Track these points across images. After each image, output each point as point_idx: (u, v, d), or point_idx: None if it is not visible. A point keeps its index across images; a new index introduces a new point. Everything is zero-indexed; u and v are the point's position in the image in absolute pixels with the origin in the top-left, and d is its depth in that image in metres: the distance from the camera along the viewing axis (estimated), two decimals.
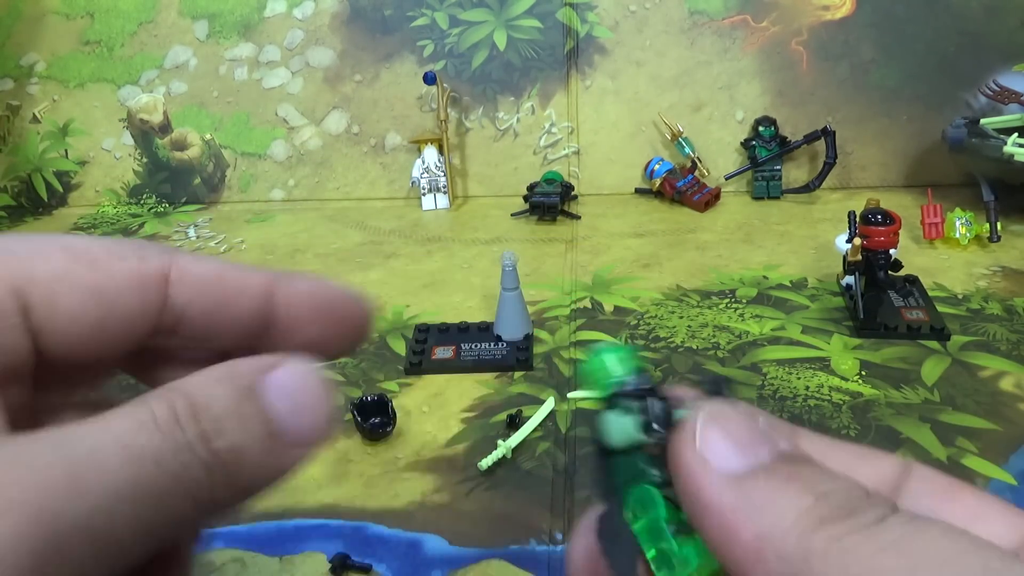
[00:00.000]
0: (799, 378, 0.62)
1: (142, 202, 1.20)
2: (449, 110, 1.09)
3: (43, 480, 0.13)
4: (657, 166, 1.06)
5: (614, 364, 0.19)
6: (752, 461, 0.15)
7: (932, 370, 0.62)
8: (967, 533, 0.13)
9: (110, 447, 0.14)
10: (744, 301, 0.76)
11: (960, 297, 0.74)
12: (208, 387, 0.16)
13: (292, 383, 0.17)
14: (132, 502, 0.14)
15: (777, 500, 0.14)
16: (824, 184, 1.03)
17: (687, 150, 1.06)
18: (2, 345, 0.16)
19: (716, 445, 0.16)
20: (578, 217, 1.02)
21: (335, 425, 0.17)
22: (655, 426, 0.18)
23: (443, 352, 0.68)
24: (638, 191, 1.10)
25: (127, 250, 0.17)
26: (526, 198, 1.02)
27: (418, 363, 0.66)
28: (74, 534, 0.13)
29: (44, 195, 1.21)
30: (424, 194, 1.09)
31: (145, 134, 1.18)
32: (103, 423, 0.14)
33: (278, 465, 0.16)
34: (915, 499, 0.17)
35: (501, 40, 1.10)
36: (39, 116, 1.20)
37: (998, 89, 1.01)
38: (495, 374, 0.65)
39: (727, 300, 0.76)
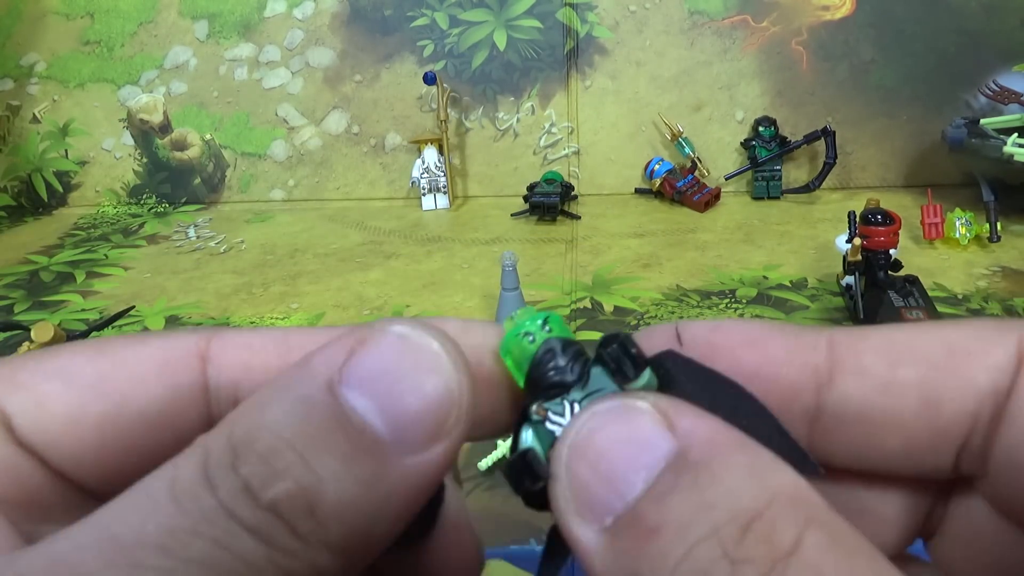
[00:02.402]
0: None
1: (142, 202, 1.20)
2: (449, 110, 1.09)
3: None
4: (657, 166, 1.06)
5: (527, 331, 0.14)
6: (619, 505, 0.12)
7: None
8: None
9: (93, 543, 0.10)
10: (744, 301, 0.76)
11: (960, 297, 0.74)
12: (257, 410, 0.11)
13: (386, 362, 0.12)
14: None
15: (643, 566, 0.11)
16: (824, 184, 1.03)
17: (687, 150, 1.06)
18: None
19: (584, 484, 0.12)
20: (578, 217, 1.02)
21: (470, 395, 0.13)
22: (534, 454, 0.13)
23: None
24: (638, 191, 1.10)
25: (147, 336, 0.14)
26: (526, 198, 1.02)
27: None
28: None
29: (44, 195, 1.21)
30: (424, 194, 1.09)
31: (145, 134, 1.18)
32: (110, 507, 0.11)
33: (395, 488, 0.11)
34: None
35: (501, 40, 1.10)
36: (39, 116, 1.20)
37: (998, 89, 1.01)
38: None
39: (727, 300, 0.76)
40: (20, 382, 0.12)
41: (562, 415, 0.13)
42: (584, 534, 0.12)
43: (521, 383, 0.14)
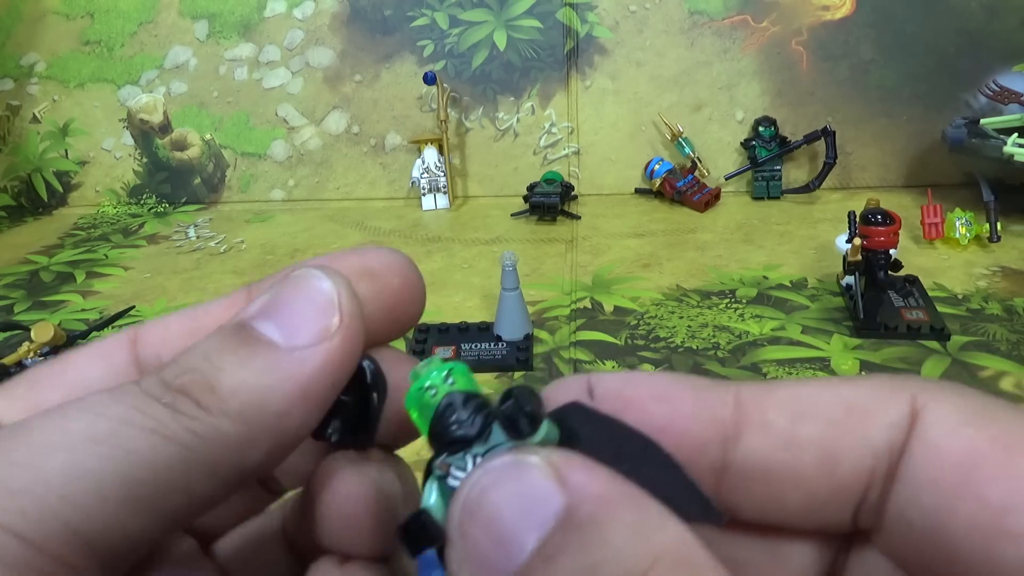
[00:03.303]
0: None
1: (142, 202, 1.20)
2: (449, 110, 1.09)
3: None
4: (657, 166, 1.06)
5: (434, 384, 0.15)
6: (511, 566, 0.12)
7: (932, 370, 0.62)
8: None
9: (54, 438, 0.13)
10: (744, 301, 0.76)
11: (960, 297, 0.74)
12: (187, 348, 0.14)
13: (285, 296, 0.15)
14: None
15: None
16: (824, 184, 1.03)
17: (687, 150, 1.06)
18: None
19: (477, 545, 0.12)
20: (578, 217, 1.02)
21: (359, 309, 0.15)
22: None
23: (443, 352, 0.68)
24: (638, 191, 1.10)
25: (96, 341, 0.16)
26: (526, 198, 1.02)
27: None
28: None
29: (44, 195, 1.21)
30: (424, 194, 1.09)
31: (145, 134, 1.18)
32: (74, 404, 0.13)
33: (288, 374, 0.14)
34: (919, 482, 0.11)
35: (501, 40, 1.10)
36: (39, 116, 1.20)
37: (998, 89, 1.01)
38: (495, 374, 0.65)
39: (727, 300, 0.76)
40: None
41: (464, 470, 0.13)
42: None
43: (425, 435, 0.14)
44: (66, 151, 1.20)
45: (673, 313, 0.74)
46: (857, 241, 0.67)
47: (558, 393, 0.15)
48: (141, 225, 1.11)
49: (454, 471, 0.13)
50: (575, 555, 0.11)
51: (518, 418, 0.13)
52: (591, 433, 0.13)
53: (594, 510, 0.11)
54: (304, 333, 0.14)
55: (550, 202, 0.99)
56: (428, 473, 0.14)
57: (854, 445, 0.12)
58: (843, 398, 0.12)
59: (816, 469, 0.12)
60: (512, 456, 0.13)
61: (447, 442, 0.14)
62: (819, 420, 0.12)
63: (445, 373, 0.15)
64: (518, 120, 1.12)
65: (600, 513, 0.11)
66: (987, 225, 0.84)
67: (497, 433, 0.14)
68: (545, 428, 0.14)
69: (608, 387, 0.14)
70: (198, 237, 1.04)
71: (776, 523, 0.13)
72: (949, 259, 0.82)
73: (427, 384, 0.15)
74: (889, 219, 0.68)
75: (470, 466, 0.13)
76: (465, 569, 0.12)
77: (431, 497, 0.14)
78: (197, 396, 0.13)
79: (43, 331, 0.64)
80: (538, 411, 0.14)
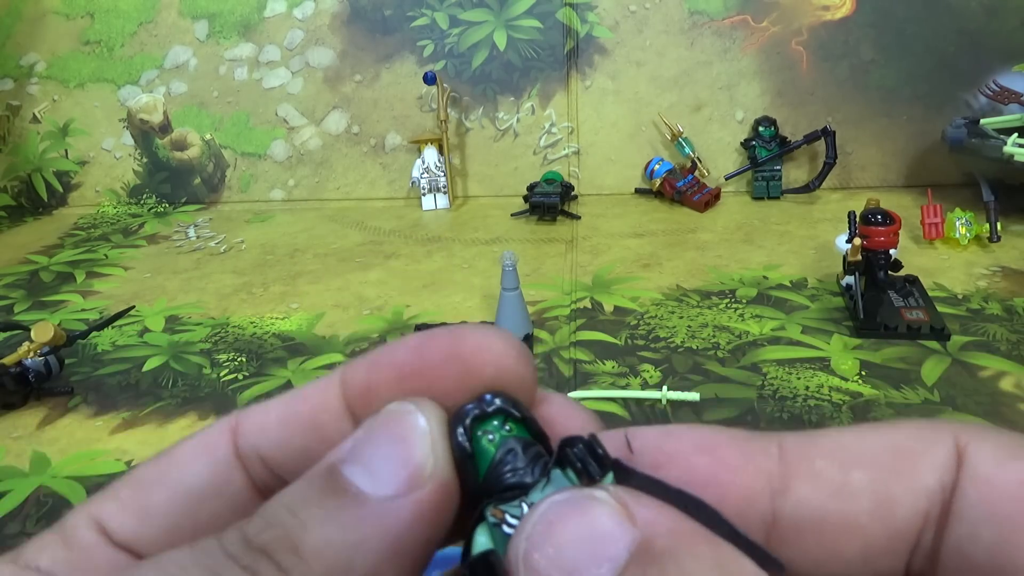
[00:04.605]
0: (799, 378, 0.62)
1: (142, 202, 1.20)
2: (449, 110, 1.09)
3: None
4: (657, 166, 1.06)
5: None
6: None
7: (932, 370, 0.62)
8: None
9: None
10: (744, 301, 0.76)
11: (960, 297, 0.74)
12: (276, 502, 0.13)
13: (377, 435, 0.14)
14: None
15: None
16: (824, 184, 1.03)
17: (687, 150, 1.06)
18: None
19: (544, 575, 0.12)
20: (578, 217, 1.02)
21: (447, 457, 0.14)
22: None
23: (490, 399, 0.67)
24: (638, 191, 1.10)
25: (198, 431, 0.16)
26: (526, 198, 1.02)
27: None
28: None
29: (44, 195, 1.21)
30: (424, 194, 1.09)
31: (145, 134, 1.18)
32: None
33: (374, 530, 0.13)
34: (975, 518, 0.11)
35: (501, 40, 1.10)
36: (39, 116, 1.20)
37: (998, 89, 1.01)
38: None
39: (727, 300, 0.76)
40: (105, 493, 0.15)
41: (518, 518, 0.13)
42: None
43: (480, 479, 0.14)
44: (66, 151, 1.20)
45: (673, 313, 0.74)
46: (857, 241, 0.67)
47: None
48: (141, 225, 1.11)
49: (508, 518, 0.13)
50: None
51: (588, 461, 0.13)
52: (639, 486, 0.13)
53: (670, 544, 0.11)
54: (393, 480, 0.13)
55: (550, 202, 0.99)
56: (479, 520, 0.14)
57: (907, 488, 0.12)
58: (889, 442, 0.12)
59: (870, 516, 0.12)
60: (577, 491, 0.13)
61: (503, 488, 0.13)
62: (869, 466, 0.12)
63: (503, 418, 0.14)
64: (518, 120, 1.12)
65: (676, 547, 0.11)
66: (987, 225, 0.84)
67: (557, 480, 0.13)
68: (610, 476, 0.13)
69: (647, 441, 0.14)
70: (198, 237, 1.04)
71: (831, 573, 0.13)
72: (949, 259, 0.82)
73: (483, 429, 0.14)
74: (889, 219, 0.68)
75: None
76: None
77: (484, 544, 0.13)
78: (280, 558, 0.13)
79: (43, 331, 0.64)
80: (608, 455, 0.13)
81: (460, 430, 0.14)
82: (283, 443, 0.15)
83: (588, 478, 0.13)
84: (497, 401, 0.14)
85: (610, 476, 0.13)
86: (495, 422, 0.14)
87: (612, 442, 0.14)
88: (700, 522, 0.12)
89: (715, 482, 0.13)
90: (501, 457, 0.14)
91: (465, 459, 0.14)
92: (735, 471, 0.13)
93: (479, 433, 0.14)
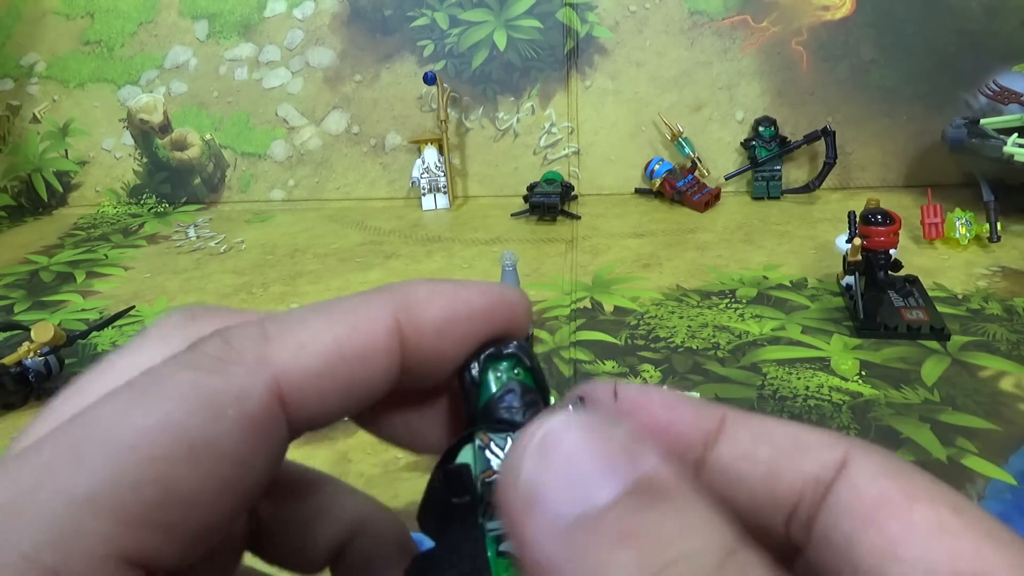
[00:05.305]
0: (799, 378, 0.62)
1: (142, 202, 1.20)
2: (449, 110, 1.09)
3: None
4: (657, 166, 1.06)
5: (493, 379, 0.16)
6: (583, 505, 0.12)
7: (932, 370, 0.62)
8: None
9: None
10: (744, 301, 0.76)
11: (960, 297, 0.74)
12: None
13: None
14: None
15: (610, 568, 0.11)
16: (824, 184, 1.03)
17: (687, 150, 1.06)
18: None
19: (546, 479, 0.12)
20: (578, 217, 1.02)
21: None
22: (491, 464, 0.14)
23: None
24: (638, 191, 1.10)
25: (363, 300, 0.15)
26: (526, 198, 1.02)
27: None
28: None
29: (44, 195, 1.21)
30: (424, 194, 1.09)
31: (145, 134, 1.18)
32: None
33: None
34: (839, 511, 0.14)
35: (501, 40, 1.10)
36: (39, 116, 1.20)
37: (998, 89, 1.01)
38: None
39: (727, 300, 0.76)
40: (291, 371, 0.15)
41: (503, 449, 0.14)
42: (536, 533, 0.12)
43: (480, 405, 0.16)
44: (66, 151, 1.20)
45: (673, 313, 0.74)
46: (857, 241, 0.67)
47: (588, 392, 0.16)
48: (141, 225, 1.11)
49: (493, 446, 0.15)
50: (660, 519, 0.12)
51: (578, 405, 0.15)
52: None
53: (677, 485, 0.12)
54: None
55: (550, 202, 0.99)
56: (467, 439, 0.15)
57: (792, 470, 0.15)
58: (795, 435, 0.15)
59: (761, 481, 0.15)
60: (597, 413, 0.14)
61: (495, 420, 0.15)
62: (772, 445, 0.15)
63: (514, 362, 0.16)
64: (518, 120, 1.12)
65: (680, 491, 0.12)
66: (987, 225, 0.84)
67: None
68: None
69: (629, 393, 0.16)
70: (198, 237, 1.04)
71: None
72: (949, 259, 0.82)
73: (496, 367, 0.16)
74: (889, 219, 0.68)
75: (508, 447, 0.14)
76: (526, 502, 0.12)
77: (466, 458, 0.15)
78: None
79: (43, 331, 0.64)
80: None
81: (475, 364, 0.15)
82: (323, 391, 0.14)
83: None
84: (512, 347, 0.16)
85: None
86: (506, 363, 0.16)
87: (604, 388, 0.16)
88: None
89: (669, 429, 0.16)
90: (501, 394, 0.15)
91: (471, 387, 0.15)
92: (685, 425, 0.16)
93: (490, 370, 0.16)
